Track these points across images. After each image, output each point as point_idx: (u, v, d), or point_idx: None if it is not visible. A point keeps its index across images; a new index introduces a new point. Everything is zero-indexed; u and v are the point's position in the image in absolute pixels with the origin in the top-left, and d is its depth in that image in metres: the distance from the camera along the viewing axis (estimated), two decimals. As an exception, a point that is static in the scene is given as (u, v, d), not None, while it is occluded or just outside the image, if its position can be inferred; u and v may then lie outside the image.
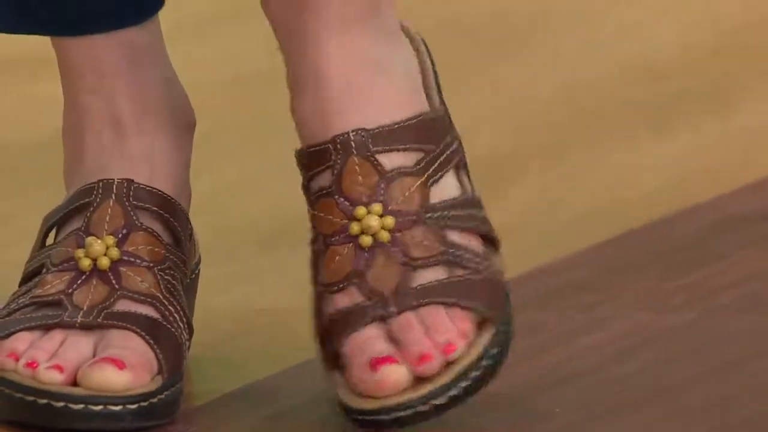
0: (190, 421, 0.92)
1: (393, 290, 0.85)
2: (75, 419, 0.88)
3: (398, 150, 0.88)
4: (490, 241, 0.90)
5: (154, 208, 0.97)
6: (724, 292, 1.23)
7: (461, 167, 0.93)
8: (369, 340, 0.85)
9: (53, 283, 0.95)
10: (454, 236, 0.87)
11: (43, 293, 0.94)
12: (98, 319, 0.94)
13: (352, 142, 0.87)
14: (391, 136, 0.88)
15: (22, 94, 1.82)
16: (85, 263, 0.94)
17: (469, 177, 0.93)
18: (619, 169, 1.64)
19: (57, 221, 1.01)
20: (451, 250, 0.86)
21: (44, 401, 0.87)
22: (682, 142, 1.72)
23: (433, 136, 0.90)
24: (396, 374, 0.82)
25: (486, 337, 0.85)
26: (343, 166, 0.87)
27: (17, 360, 0.88)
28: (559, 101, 1.89)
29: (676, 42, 2.08)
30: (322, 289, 0.88)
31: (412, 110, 0.90)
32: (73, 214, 0.98)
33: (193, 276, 1.05)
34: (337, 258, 0.87)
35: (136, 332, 0.92)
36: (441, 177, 0.89)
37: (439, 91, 0.96)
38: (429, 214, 0.87)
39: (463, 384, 0.83)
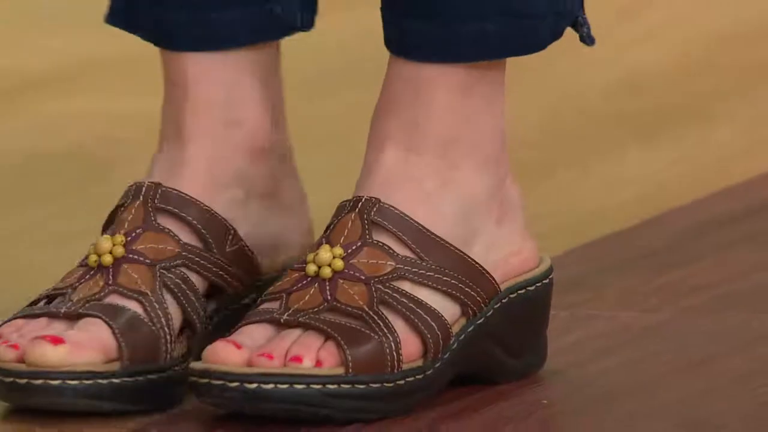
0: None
1: (297, 308, 0.85)
2: (21, 394, 0.89)
3: (393, 234, 0.88)
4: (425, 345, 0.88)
5: (176, 210, 0.95)
6: (699, 292, 1.23)
7: (465, 314, 0.92)
8: (250, 329, 0.85)
9: (70, 277, 0.95)
10: (384, 310, 0.85)
11: (57, 285, 0.95)
12: (80, 310, 0.94)
13: (360, 203, 0.87)
14: (395, 218, 0.88)
15: (50, 110, 1.81)
16: (92, 260, 0.94)
17: (466, 330, 0.92)
18: (605, 179, 1.64)
19: (106, 222, 1.01)
20: (371, 314, 0.84)
21: (7, 379, 0.89)
22: (662, 154, 1.73)
23: (438, 257, 0.90)
24: (228, 352, 0.82)
25: (333, 371, 0.84)
26: (344, 216, 0.88)
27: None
28: (550, 118, 1.89)
29: (657, 62, 2.07)
30: (262, 297, 0.89)
31: (440, 232, 0.90)
32: (115, 214, 0.99)
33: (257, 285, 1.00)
34: (285, 278, 0.88)
35: (102, 319, 0.91)
36: (423, 285, 0.89)
37: (517, 290, 0.98)
38: (378, 286, 0.86)
39: (277, 384, 0.82)
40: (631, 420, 0.91)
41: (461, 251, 0.91)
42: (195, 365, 0.84)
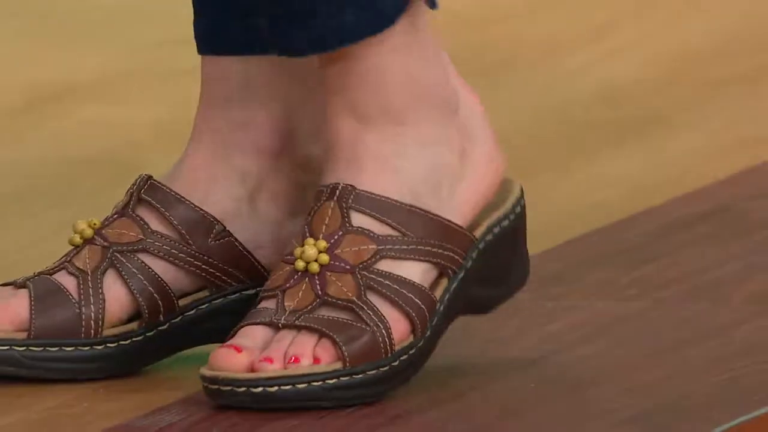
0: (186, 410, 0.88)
1: (293, 309, 0.84)
2: None
3: (373, 217, 0.87)
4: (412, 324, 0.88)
5: (152, 201, 0.95)
6: (669, 284, 1.22)
7: (444, 277, 0.91)
8: (250, 330, 0.85)
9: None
10: (372, 297, 0.85)
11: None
12: (20, 282, 0.96)
13: (338, 191, 0.86)
14: (372, 202, 0.87)
15: (81, 117, 1.79)
16: (75, 239, 0.96)
17: (449, 290, 0.91)
18: (582, 181, 1.63)
19: None
20: (360, 305, 0.84)
21: None
22: (632, 159, 1.72)
23: (416, 227, 0.88)
24: (233, 358, 0.81)
25: (332, 367, 0.84)
26: (323, 205, 0.87)
27: None
28: (532, 125, 1.88)
29: (630, 75, 2.07)
30: (261, 293, 0.88)
31: (409, 200, 0.88)
32: None
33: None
34: (279, 272, 0.87)
35: (28, 292, 0.92)
36: (405, 259, 0.88)
37: (492, 232, 0.96)
38: (364, 272, 0.85)
39: (281, 386, 0.83)
40: (609, 401, 0.91)
41: (434, 214, 0.89)
42: (204, 372, 0.83)
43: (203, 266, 0.94)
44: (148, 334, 0.94)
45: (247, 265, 0.97)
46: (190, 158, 0.97)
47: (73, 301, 0.93)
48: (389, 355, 0.85)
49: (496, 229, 0.95)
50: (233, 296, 0.97)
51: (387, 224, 0.87)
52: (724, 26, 2.28)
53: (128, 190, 0.97)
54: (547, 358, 1.00)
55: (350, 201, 0.86)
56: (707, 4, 2.35)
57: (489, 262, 0.94)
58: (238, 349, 0.82)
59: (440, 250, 0.88)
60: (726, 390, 0.93)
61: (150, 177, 0.96)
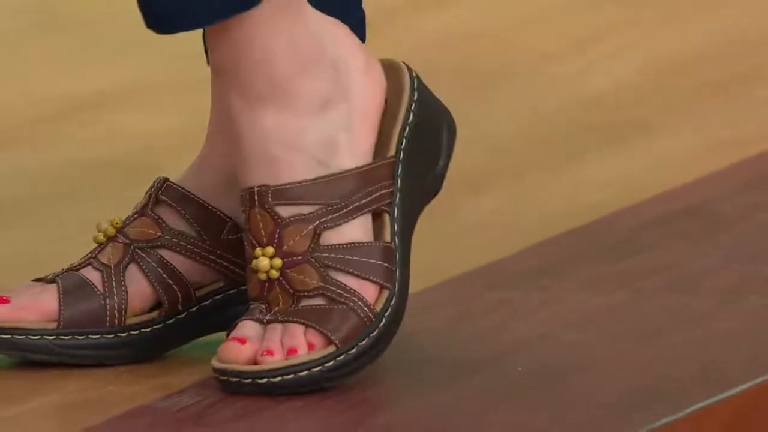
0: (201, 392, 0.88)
1: (278, 308, 0.85)
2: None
3: (295, 203, 0.85)
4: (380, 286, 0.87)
5: (170, 202, 0.95)
6: (650, 276, 1.22)
7: (383, 214, 0.89)
8: (244, 326, 0.84)
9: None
10: (336, 275, 0.85)
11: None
12: (51, 277, 0.96)
13: (256, 196, 0.85)
14: (289, 192, 0.85)
15: (107, 124, 1.80)
16: (98, 237, 0.96)
17: (393, 225, 0.89)
18: (570, 181, 1.63)
19: None
20: (327, 286, 0.84)
21: None
22: (618, 160, 1.71)
23: (335, 192, 0.86)
24: (238, 351, 0.82)
25: (326, 352, 0.84)
26: (248, 214, 0.86)
27: None
28: (524, 129, 1.87)
29: (615, 82, 2.06)
30: (250, 301, 0.88)
31: (318, 172, 0.86)
32: None
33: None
34: (251, 283, 0.87)
35: (57, 286, 0.93)
36: (341, 224, 0.86)
37: (404, 137, 0.92)
38: (316, 254, 0.85)
39: (283, 376, 0.83)
40: (593, 384, 0.91)
41: (344, 170, 0.87)
42: (214, 364, 0.84)
43: (217, 260, 0.95)
44: (167, 322, 0.94)
45: None
46: (202, 160, 0.97)
47: (98, 293, 0.93)
48: (373, 320, 0.85)
49: (407, 131, 0.92)
50: (245, 287, 0.96)
51: (310, 204, 0.85)
52: (702, 38, 2.28)
53: (147, 192, 0.98)
54: (535, 345, 1.00)
55: (270, 200, 0.84)
56: (686, 18, 2.35)
57: (416, 157, 0.92)
58: (242, 341, 0.82)
59: (366, 198, 0.87)
60: (701, 373, 0.94)
61: (167, 179, 0.97)
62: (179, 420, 0.82)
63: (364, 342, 0.84)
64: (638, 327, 1.05)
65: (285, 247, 0.84)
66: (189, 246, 0.94)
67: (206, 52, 0.95)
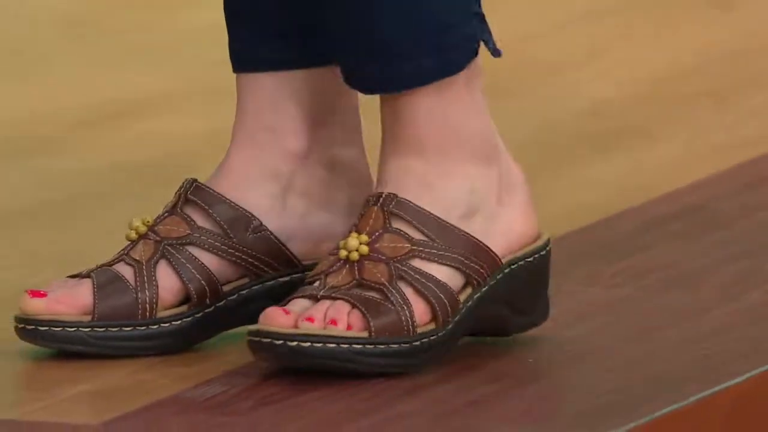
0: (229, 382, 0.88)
1: (331, 286, 0.85)
2: (20, 333, 0.91)
3: (409, 223, 0.88)
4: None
5: (198, 201, 0.95)
6: (649, 274, 1.21)
7: (470, 284, 0.91)
8: (296, 301, 0.85)
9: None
10: (401, 285, 0.86)
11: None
12: (86, 273, 0.97)
13: (382, 199, 0.87)
14: (410, 211, 0.87)
15: (137, 130, 1.80)
16: (130, 235, 0.96)
17: (473, 296, 0.91)
18: (576, 183, 1.62)
19: None
20: (391, 289, 0.85)
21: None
22: (617, 165, 1.71)
23: (446, 238, 0.89)
24: (279, 317, 0.82)
25: (359, 334, 0.84)
26: (369, 209, 0.88)
27: None
28: (530, 135, 1.87)
29: (618, 91, 2.06)
30: (307, 278, 0.89)
31: (443, 215, 0.89)
32: None
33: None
34: (324, 262, 0.88)
35: (91, 281, 0.93)
36: (431, 261, 0.88)
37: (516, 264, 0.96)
38: (396, 265, 0.86)
39: (313, 343, 0.83)
40: (596, 375, 0.91)
41: (463, 231, 0.89)
42: (251, 327, 0.84)
43: (243, 257, 0.94)
44: (196, 315, 0.94)
45: (281, 255, 0.96)
46: (229, 162, 0.98)
47: (131, 287, 0.93)
48: (412, 334, 0.85)
49: (522, 263, 0.94)
50: (270, 283, 0.96)
51: (420, 231, 0.87)
52: (700, 49, 2.27)
53: (176, 192, 0.98)
54: (542, 338, 0.99)
55: (391, 207, 0.87)
56: (683, 31, 2.35)
57: (513, 289, 0.93)
58: (286, 311, 0.83)
59: (466, 261, 0.88)
60: (699, 366, 0.93)
61: (195, 180, 0.97)
62: (206, 408, 0.82)
63: (393, 346, 0.86)
64: (639, 322, 1.04)
65: (378, 244, 0.86)
66: (216, 243, 0.94)
67: (232, 62, 0.97)
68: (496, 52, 0.92)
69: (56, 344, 0.91)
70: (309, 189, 0.98)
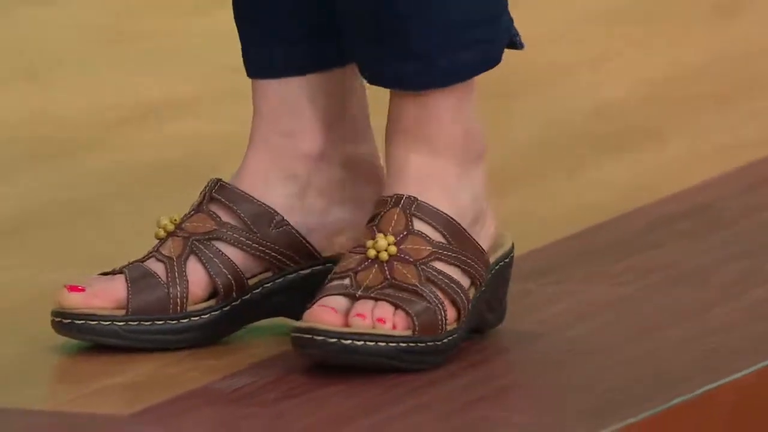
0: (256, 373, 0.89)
1: (366, 286, 0.85)
2: (57, 327, 0.91)
3: (429, 225, 0.88)
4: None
5: (222, 199, 0.95)
6: (655, 272, 1.21)
7: (474, 285, 0.92)
8: (332, 299, 0.84)
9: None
10: (431, 287, 0.86)
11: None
12: (118, 269, 0.97)
13: (403, 201, 0.87)
14: (431, 214, 0.88)
15: (165, 131, 1.81)
16: (159, 233, 0.96)
17: (476, 296, 0.93)
18: (584, 184, 1.61)
19: None
20: (425, 291, 0.85)
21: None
22: (625, 165, 1.70)
23: (458, 241, 0.89)
24: (328, 314, 0.82)
25: (404, 333, 0.85)
26: (390, 210, 0.87)
27: None
28: (540, 136, 1.86)
29: (625, 94, 2.04)
30: (330, 277, 0.88)
31: (459, 219, 0.90)
32: None
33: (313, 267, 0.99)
34: (349, 260, 0.87)
35: (124, 276, 0.93)
36: (449, 264, 0.88)
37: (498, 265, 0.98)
38: (422, 267, 0.86)
39: (366, 342, 0.83)
40: (600, 371, 0.91)
41: (472, 236, 0.90)
42: (300, 324, 0.85)
43: (266, 251, 0.95)
44: (224, 309, 0.94)
45: (302, 249, 0.97)
46: (248, 164, 0.98)
47: (162, 283, 0.94)
48: (443, 332, 0.86)
49: (502, 263, 0.96)
50: (291, 276, 0.97)
51: (439, 232, 0.88)
52: (704, 53, 2.26)
53: (202, 191, 0.98)
54: (549, 334, 0.99)
55: (413, 209, 0.87)
56: (688, 36, 2.34)
57: (493, 289, 0.95)
58: (333, 309, 0.83)
59: (474, 264, 0.89)
60: (706, 360, 0.93)
61: (219, 180, 0.97)
62: (232, 400, 0.82)
63: (431, 343, 0.88)
64: (644, 319, 1.04)
65: (404, 245, 0.86)
66: (241, 238, 0.95)
67: (246, 68, 0.98)
68: (521, 45, 0.92)
69: (91, 337, 0.92)
70: (326, 188, 0.98)
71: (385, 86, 0.91)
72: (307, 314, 0.84)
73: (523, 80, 2.02)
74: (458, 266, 0.89)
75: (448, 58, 0.87)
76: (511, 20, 0.92)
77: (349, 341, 0.83)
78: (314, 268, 0.97)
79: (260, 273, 0.97)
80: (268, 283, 0.97)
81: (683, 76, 2.11)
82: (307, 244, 0.97)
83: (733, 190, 1.57)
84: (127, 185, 1.56)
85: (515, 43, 0.93)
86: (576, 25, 2.36)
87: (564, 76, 2.12)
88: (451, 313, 0.88)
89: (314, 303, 0.86)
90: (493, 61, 0.90)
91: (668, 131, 1.83)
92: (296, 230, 0.96)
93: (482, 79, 0.94)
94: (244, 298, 0.96)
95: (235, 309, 0.95)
